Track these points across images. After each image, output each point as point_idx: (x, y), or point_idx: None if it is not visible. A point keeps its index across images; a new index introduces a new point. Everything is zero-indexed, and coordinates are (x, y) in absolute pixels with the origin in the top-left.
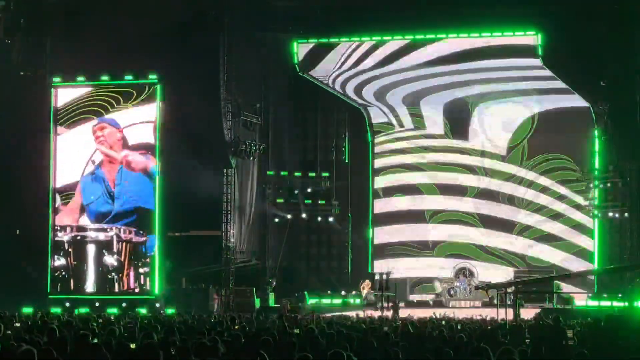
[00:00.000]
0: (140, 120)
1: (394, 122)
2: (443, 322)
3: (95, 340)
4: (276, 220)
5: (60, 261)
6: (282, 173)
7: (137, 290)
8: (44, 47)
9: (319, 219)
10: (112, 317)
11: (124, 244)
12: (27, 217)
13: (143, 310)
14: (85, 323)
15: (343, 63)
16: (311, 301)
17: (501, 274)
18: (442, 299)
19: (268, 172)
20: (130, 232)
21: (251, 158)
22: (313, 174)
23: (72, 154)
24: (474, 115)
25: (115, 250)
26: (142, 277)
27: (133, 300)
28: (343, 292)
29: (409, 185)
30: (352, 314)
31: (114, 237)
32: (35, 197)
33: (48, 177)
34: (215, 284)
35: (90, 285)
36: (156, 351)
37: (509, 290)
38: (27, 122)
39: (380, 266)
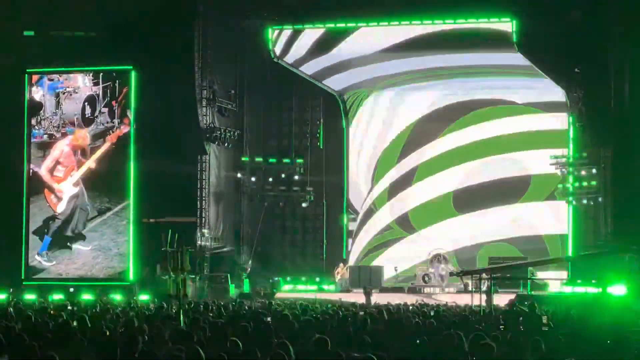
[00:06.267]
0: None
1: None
2: (411, 308)
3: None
4: (251, 206)
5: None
6: (257, 159)
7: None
8: (18, 36)
9: (294, 205)
10: (82, 304)
11: None
12: (1, 203)
13: (117, 297)
14: (60, 310)
15: (316, 49)
16: (286, 287)
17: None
18: (416, 285)
19: (243, 158)
20: None
21: (226, 144)
22: (288, 160)
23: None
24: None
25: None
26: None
27: (108, 286)
28: (317, 279)
29: None
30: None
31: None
32: (11, 183)
33: (23, 164)
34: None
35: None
36: (134, 338)
37: (484, 276)
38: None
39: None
